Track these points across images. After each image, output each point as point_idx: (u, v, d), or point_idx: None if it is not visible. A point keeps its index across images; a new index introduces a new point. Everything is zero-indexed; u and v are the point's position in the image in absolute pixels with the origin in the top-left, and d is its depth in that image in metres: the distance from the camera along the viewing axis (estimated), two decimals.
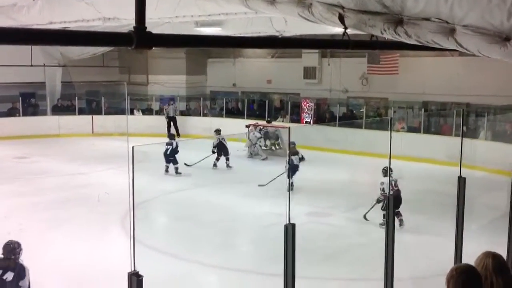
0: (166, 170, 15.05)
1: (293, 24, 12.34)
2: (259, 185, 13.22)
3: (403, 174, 11.07)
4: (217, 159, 16.00)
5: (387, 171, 9.67)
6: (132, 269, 3.51)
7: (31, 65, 20.45)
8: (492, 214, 10.10)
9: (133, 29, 2.98)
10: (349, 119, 20.44)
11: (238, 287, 7.95)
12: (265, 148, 18.32)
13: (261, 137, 18.16)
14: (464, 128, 17.22)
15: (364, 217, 10.52)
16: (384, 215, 8.99)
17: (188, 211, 11.95)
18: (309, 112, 21.09)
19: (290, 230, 4.32)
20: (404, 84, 19.26)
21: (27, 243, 9.27)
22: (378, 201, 10.27)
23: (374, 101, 21.11)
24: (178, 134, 21.52)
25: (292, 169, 12.59)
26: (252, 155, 18.05)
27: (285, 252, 4.36)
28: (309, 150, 17.44)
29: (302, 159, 13.92)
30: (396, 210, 9.57)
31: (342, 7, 3.80)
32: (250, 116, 21.76)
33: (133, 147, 3.52)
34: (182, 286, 7.78)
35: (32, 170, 15.08)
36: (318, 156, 17.61)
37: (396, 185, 10.08)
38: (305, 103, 21.26)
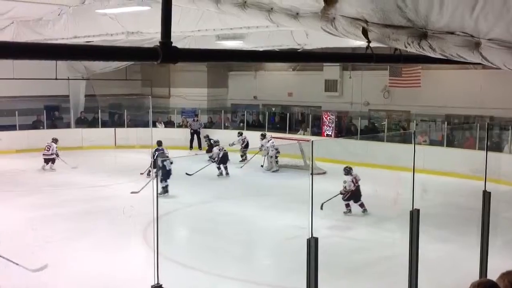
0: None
1: (314, 37, 12.38)
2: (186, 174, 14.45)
3: (426, 188, 10.96)
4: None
5: (348, 170, 12.51)
6: (156, 282, 3.53)
7: (56, 79, 20.74)
8: None
9: (159, 44, 3.03)
10: (371, 132, 20.32)
11: None
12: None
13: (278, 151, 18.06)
14: (488, 141, 17.00)
15: (321, 206, 11.46)
16: (346, 205, 12.14)
17: (209, 223, 11.96)
18: (330, 125, 21.03)
19: (313, 244, 4.31)
20: (426, 97, 19.12)
21: (52, 254, 9.46)
22: (340, 193, 12.18)
23: (396, 114, 20.98)
24: (200, 147, 21.87)
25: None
26: (272, 167, 17.99)
27: (308, 266, 4.34)
28: (330, 163, 17.37)
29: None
30: (359, 203, 12.07)
31: (366, 21, 3.80)
32: (271, 129, 21.82)
33: (158, 159, 3.54)
34: None
35: (55, 182, 15.26)
36: (340, 170, 17.51)
37: (357, 182, 12.18)
38: (326, 116, 21.21)
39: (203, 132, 22.33)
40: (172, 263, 8.84)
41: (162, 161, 13.38)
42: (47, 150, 17.32)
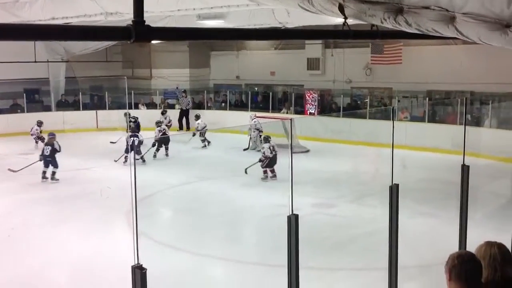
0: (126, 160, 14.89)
1: (295, 16, 12.28)
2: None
3: (406, 163, 11.08)
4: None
5: (266, 139, 13.84)
6: (136, 262, 3.51)
7: (35, 61, 20.48)
8: (497, 201, 10.09)
9: (131, 23, 2.98)
10: (353, 110, 20.42)
11: (243, 279, 7.97)
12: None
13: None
14: (469, 116, 17.18)
15: (245, 171, 13.40)
16: (264, 171, 13.52)
17: (193, 204, 11.98)
18: (313, 103, 21.07)
19: (293, 221, 4.32)
20: (408, 73, 19.21)
21: (32, 237, 9.43)
22: (260, 160, 13.52)
23: (378, 91, 21.07)
24: (188, 128, 21.74)
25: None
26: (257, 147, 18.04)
27: (289, 243, 4.36)
28: (313, 141, 17.46)
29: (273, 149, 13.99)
30: (271, 168, 13.46)
31: None
32: (254, 108, 21.79)
33: (133, 140, 3.51)
34: (188, 279, 7.81)
35: (36, 166, 15.12)
36: (322, 147, 17.62)
37: (274, 150, 13.48)
38: (309, 95, 21.23)
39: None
40: (156, 244, 8.87)
41: (133, 139, 14.79)
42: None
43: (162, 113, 20.19)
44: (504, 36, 3.21)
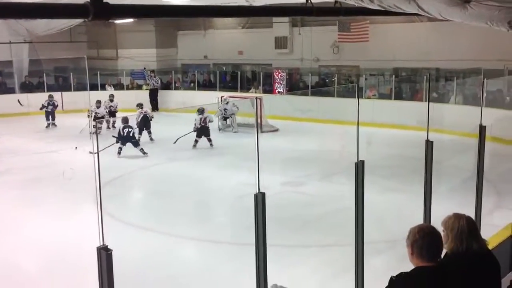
0: (119, 153, 14.13)
1: None
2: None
3: (373, 140, 11.20)
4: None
5: (200, 111, 15.16)
6: (101, 244, 3.48)
7: None
8: (460, 175, 10.30)
9: (89, 0, 2.91)
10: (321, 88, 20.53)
11: (214, 258, 8.00)
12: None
13: (237, 109, 17.87)
14: (435, 93, 17.43)
15: (175, 141, 14.98)
16: (195, 140, 15.13)
17: (163, 185, 11.93)
18: (281, 82, 21.09)
19: (260, 199, 4.33)
20: (375, 51, 19.33)
21: (1, 223, 9.26)
22: (194, 130, 15.10)
23: (346, 69, 21.19)
24: (157, 109, 21.46)
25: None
26: (223, 127, 17.96)
27: (256, 222, 4.37)
28: (281, 120, 17.51)
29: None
30: (208, 138, 15.18)
31: None
32: (223, 88, 21.70)
33: (128, 132, 3.44)
34: (157, 260, 7.80)
35: (1, 150, 14.83)
36: (291, 126, 17.68)
37: (204, 121, 15.09)
38: (277, 73, 21.23)
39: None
40: (125, 226, 8.83)
41: (127, 130, 14.14)
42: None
43: (111, 100, 19.21)
44: (464, 12, 3.23)
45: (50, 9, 2.99)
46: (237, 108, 17.68)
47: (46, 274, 7.48)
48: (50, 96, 19.41)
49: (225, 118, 17.91)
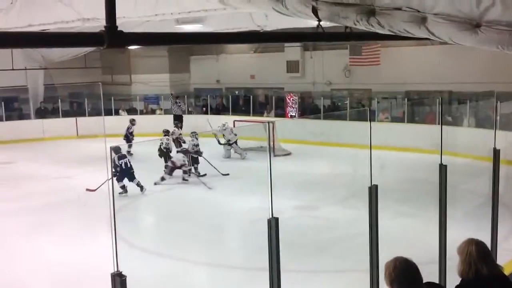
0: (125, 191, 12.71)
1: (274, 19, 12.28)
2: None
3: (386, 164, 11.14)
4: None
5: (194, 135, 15.00)
6: (115, 270, 3.49)
7: (12, 69, 20.27)
8: (475, 200, 10.19)
9: (104, 29, 2.97)
10: (333, 112, 20.56)
11: (226, 283, 7.96)
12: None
13: (236, 136, 17.20)
14: (449, 116, 17.38)
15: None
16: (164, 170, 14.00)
17: (176, 209, 11.95)
18: (293, 106, 21.15)
19: (273, 224, 4.32)
20: (387, 74, 19.37)
21: (14, 247, 9.31)
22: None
23: (358, 93, 21.21)
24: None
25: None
26: (227, 156, 17.35)
27: (270, 247, 4.36)
28: (294, 144, 17.48)
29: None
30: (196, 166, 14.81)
31: (315, 0, 3.81)
32: (236, 112, 21.80)
33: (111, 147, 3.50)
34: (171, 285, 7.77)
35: (17, 175, 14.97)
36: (304, 150, 17.65)
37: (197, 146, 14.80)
38: (289, 97, 21.31)
39: (165, 118, 21.96)
40: (139, 251, 8.82)
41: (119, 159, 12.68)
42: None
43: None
44: (474, 36, 3.24)
45: (66, 37, 3.06)
46: (235, 135, 17.10)
47: None
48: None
49: (229, 144, 17.30)
